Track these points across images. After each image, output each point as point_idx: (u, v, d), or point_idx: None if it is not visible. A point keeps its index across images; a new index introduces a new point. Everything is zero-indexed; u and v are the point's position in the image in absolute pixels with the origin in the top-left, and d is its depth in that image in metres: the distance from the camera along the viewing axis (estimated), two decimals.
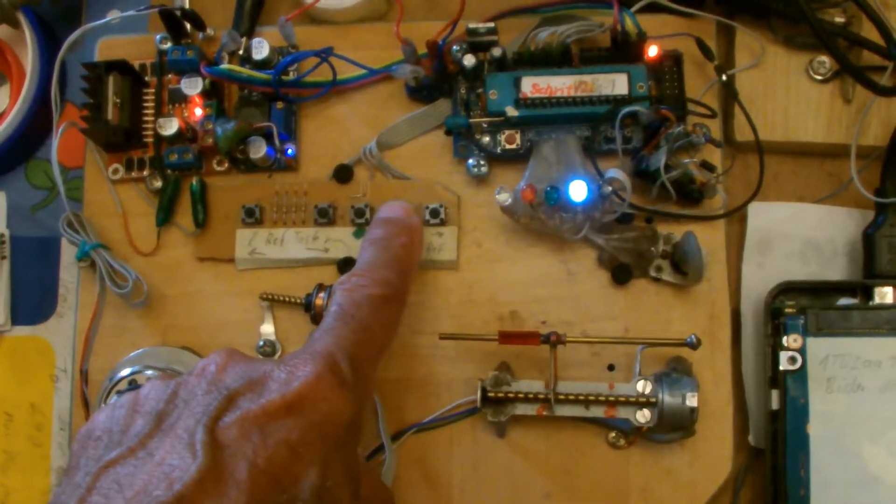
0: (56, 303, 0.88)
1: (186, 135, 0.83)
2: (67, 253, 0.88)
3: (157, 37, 0.85)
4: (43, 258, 0.89)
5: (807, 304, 0.76)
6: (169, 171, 0.83)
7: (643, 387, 0.74)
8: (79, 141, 0.85)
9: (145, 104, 0.84)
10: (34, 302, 0.88)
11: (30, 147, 0.91)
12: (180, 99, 0.83)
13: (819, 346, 0.75)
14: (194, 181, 0.82)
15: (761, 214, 0.81)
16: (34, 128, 0.88)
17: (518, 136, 0.79)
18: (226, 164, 0.83)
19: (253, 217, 0.81)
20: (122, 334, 0.83)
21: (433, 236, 0.80)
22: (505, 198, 0.75)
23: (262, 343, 0.80)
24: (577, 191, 0.74)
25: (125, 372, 0.78)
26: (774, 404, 0.76)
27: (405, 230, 0.74)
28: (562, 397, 0.74)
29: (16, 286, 0.89)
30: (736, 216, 0.80)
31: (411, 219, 0.75)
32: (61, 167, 0.88)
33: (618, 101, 0.77)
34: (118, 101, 0.82)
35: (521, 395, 0.75)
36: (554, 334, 0.74)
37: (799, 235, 0.80)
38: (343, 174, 0.82)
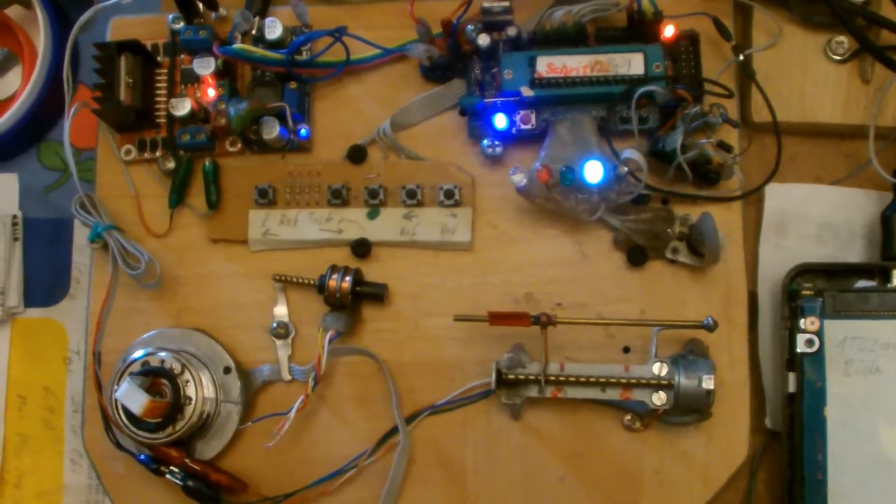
0: (69, 284, 0.88)
1: (199, 115, 0.82)
2: (80, 234, 0.87)
3: (170, 16, 0.84)
4: (56, 240, 0.88)
5: (824, 286, 0.76)
6: (181, 152, 0.83)
7: (659, 369, 0.74)
8: (91, 122, 0.85)
9: (157, 84, 0.84)
10: (47, 284, 0.88)
11: (42, 128, 0.90)
12: (193, 79, 0.83)
13: (836, 329, 0.74)
14: (207, 162, 0.82)
15: (778, 196, 0.80)
16: (46, 109, 0.88)
17: (533, 117, 0.79)
18: (239, 145, 0.83)
19: (266, 198, 0.81)
20: (134, 316, 0.82)
21: (447, 217, 0.79)
22: (520, 178, 0.75)
23: (275, 325, 0.80)
24: (593, 171, 0.73)
25: (138, 353, 0.78)
26: (791, 387, 0.75)
27: None
28: (579, 379, 0.74)
29: (29, 268, 0.88)
30: (753, 198, 0.80)
31: None
32: (74, 148, 0.88)
33: (634, 81, 0.76)
34: (130, 81, 0.81)
35: (535, 378, 0.74)
36: (544, 315, 0.74)
37: (816, 217, 0.80)
38: (357, 155, 0.82)
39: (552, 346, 0.76)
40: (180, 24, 0.84)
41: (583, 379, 0.74)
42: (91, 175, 0.85)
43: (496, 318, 0.74)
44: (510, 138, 0.80)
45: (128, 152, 0.83)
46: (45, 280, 0.88)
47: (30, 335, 0.87)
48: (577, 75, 0.77)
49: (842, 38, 0.79)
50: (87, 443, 0.82)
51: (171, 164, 0.82)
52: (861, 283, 0.76)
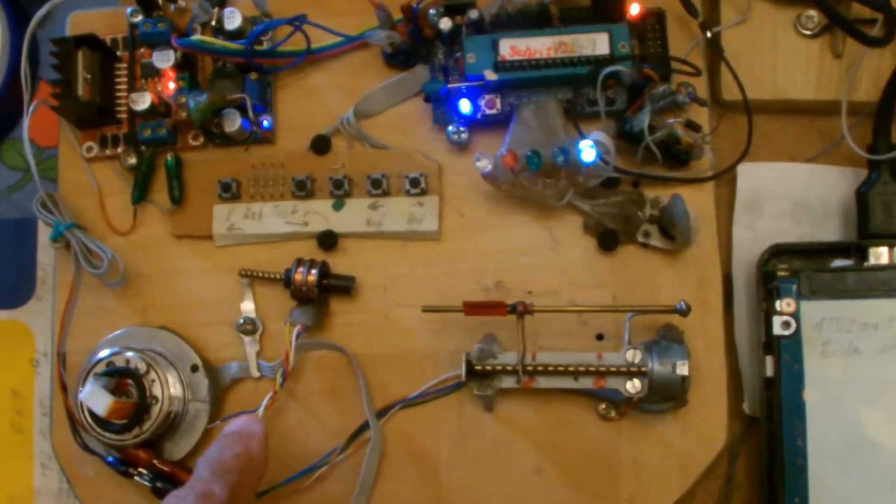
0: (34, 286, 0.86)
1: (160, 109, 0.81)
2: (44, 234, 0.86)
3: (128, 10, 0.83)
4: (20, 241, 0.87)
5: (800, 266, 0.74)
6: (143, 147, 0.81)
7: (632, 356, 0.72)
8: (53, 119, 0.83)
9: (118, 79, 0.83)
10: (12, 286, 0.87)
11: (3, 128, 0.89)
12: (153, 73, 0.81)
13: (813, 310, 0.73)
14: (169, 157, 0.81)
15: (751, 175, 0.78)
16: (6, 107, 0.87)
17: (498, 101, 0.77)
18: (201, 139, 0.81)
19: (230, 192, 0.79)
20: (100, 315, 0.81)
21: (413, 206, 0.78)
22: (485, 164, 0.73)
23: (241, 321, 0.78)
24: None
25: (104, 353, 0.77)
26: (769, 371, 0.74)
27: (240, 439, 0.69)
28: (550, 368, 0.72)
29: None
30: (725, 178, 0.78)
31: (251, 427, 0.70)
32: (36, 147, 0.86)
33: (599, 62, 0.75)
34: (88, 76, 0.80)
35: (507, 368, 0.73)
36: (521, 304, 0.72)
37: (790, 196, 0.78)
38: (320, 145, 0.80)
39: (528, 336, 0.75)
40: (139, 18, 0.82)
41: (553, 368, 0.72)
42: (54, 173, 0.84)
43: (471, 308, 0.73)
44: (476, 123, 0.78)
45: (89, 149, 0.82)
46: (11, 282, 0.87)
47: None
48: (542, 57, 0.75)
49: (812, 12, 0.77)
50: (56, 446, 0.81)
51: (132, 160, 0.81)
52: (837, 263, 0.75)
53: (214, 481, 0.63)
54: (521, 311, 0.72)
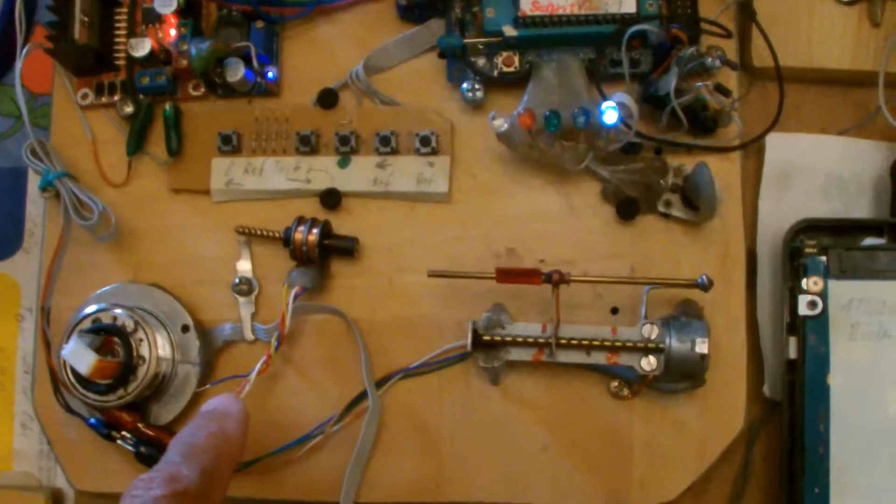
0: (23, 238, 0.83)
1: (160, 56, 0.77)
2: (34, 184, 0.82)
3: None
4: (10, 190, 0.84)
5: (829, 243, 0.72)
6: (141, 96, 0.78)
7: (649, 331, 0.69)
8: (47, 65, 0.80)
9: (117, 24, 0.79)
10: (0, 236, 0.83)
11: None
12: (154, 18, 0.78)
13: (842, 290, 0.70)
14: (168, 106, 0.77)
15: (780, 146, 0.75)
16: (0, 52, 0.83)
17: (517, 58, 0.74)
18: (202, 89, 0.78)
19: (230, 145, 0.76)
20: (89, 270, 0.78)
21: (423, 166, 0.75)
22: (500, 124, 0.70)
23: (237, 280, 0.75)
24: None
25: (90, 309, 0.73)
26: (792, 353, 0.71)
27: (216, 418, 0.65)
28: (562, 342, 0.69)
29: None
30: (753, 148, 0.75)
31: (228, 406, 0.66)
32: (29, 93, 0.83)
33: (625, 21, 0.72)
34: (86, 19, 0.77)
35: (516, 339, 0.70)
36: (557, 273, 0.69)
37: (821, 169, 0.75)
38: (327, 99, 0.77)
39: (537, 306, 0.73)
40: None
41: (563, 341, 0.69)
42: (47, 122, 0.81)
43: (504, 276, 0.70)
44: (493, 82, 0.75)
45: (84, 97, 0.79)
46: None
47: None
48: (564, 13, 0.72)
49: None
50: (38, 406, 0.77)
51: (129, 109, 0.78)
52: (869, 241, 0.72)
53: (184, 464, 0.60)
54: (556, 280, 0.69)
